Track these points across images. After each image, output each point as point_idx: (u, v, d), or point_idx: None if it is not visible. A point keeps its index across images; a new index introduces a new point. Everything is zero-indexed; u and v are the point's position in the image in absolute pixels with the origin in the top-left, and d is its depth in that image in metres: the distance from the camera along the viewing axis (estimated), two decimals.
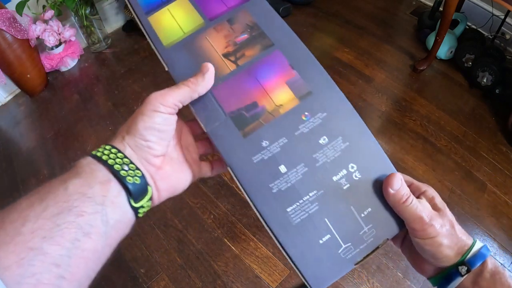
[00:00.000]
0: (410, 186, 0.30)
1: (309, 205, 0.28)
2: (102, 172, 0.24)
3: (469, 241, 0.28)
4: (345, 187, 0.29)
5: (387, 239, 0.29)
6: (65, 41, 1.70)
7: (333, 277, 0.28)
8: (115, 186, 0.24)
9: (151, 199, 0.26)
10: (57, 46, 1.68)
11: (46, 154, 1.44)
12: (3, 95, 1.68)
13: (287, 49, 0.32)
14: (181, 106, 0.28)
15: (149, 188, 0.26)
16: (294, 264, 0.28)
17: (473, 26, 1.70)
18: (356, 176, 0.29)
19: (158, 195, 0.28)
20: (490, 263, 0.28)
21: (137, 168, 0.25)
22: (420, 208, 0.28)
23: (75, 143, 1.46)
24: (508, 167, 1.28)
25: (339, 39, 1.78)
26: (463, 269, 0.27)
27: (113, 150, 0.25)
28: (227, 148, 0.29)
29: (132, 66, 1.75)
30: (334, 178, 0.29)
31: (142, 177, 0.25)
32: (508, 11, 1.43)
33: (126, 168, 0.24)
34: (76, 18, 1.70)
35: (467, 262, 0.27)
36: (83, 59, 1.82)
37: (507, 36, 1.60)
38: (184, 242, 1.15)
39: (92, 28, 1.76)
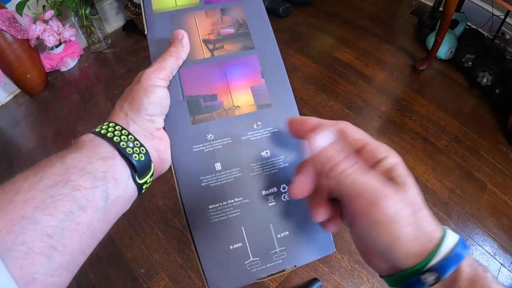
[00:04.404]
0: (361, 149, 0.23)
1: (231, 209, 0.28)
2: (105, 148, 0.24)
3: (437, 233, 0.20)
4: (270, 204, 0.29)
5: (295, 266, 0.29)
6: (65, 41, 1.71)
7: (232, 284, 0.27)
8: (119, 162, 0.24)
9: (152, 175, 0.27)
10: (57, 46, 1.68)
11: (46, 154, 1.43)
12: (3, 95, 1.68)
13: (264, 57, 0.32)
14: (171, 77, 0.29)
15: (151, 164, 0.27)
16: (199, 261, 0.28)
17: (473, 26, 1.70)
18: (285, 198, 0.29)
19: (161, 167, 0.28)
20: (467, 265, 0.20)
21: (142, 145, 0.26)
22: (359, 180, 0.21)
23: None
24: (508, 167, 1.28)
25: (339, 39, 1.78)
26: (428, 278, 0.20)
27: (117, 127, 0.25)
28: (172, 128, 0.29)
29: (132, 66, 1.75)
30: (263, 192, 0.29)
31: (147, 153, 0.26)
32: (508, 11, 1.43)
33: (131, 145, 0.25)
34: (76, 18, 1.70)
35: (435, 269, 0.20)
36: (83, 59, 1.82)
37: (507, 36, 1.60)
38: (184, 242, 1.14)
39: (92, 28, 1.76)
